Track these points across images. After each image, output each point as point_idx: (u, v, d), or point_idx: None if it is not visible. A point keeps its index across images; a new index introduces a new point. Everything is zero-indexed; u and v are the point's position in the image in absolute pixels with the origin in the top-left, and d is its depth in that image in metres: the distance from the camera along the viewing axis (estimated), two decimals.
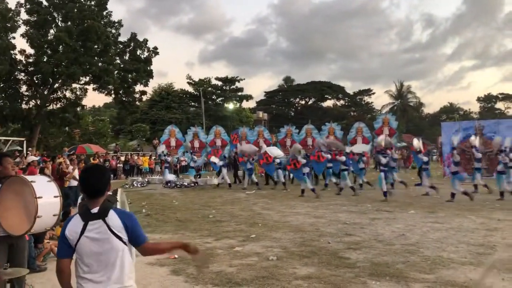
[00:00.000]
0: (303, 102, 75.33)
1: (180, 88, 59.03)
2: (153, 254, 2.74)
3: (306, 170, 16.37)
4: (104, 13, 35.42)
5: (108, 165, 25.72)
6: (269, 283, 5.46)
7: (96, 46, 33.72)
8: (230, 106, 57.86)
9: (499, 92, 77.11)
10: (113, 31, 36.32)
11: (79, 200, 2.86)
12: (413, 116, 72.98)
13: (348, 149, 18.04)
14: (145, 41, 37.81)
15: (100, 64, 34.16)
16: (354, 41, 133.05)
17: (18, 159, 14.89)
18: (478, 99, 78.60)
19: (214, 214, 11.68)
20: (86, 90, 36.58)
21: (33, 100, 34.83)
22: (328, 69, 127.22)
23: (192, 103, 58.52)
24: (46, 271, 6.14)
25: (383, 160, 14.95)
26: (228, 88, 60.46)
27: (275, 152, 19.78)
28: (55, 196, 3.77)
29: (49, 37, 33.06)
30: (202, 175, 25.96)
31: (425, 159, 15.57)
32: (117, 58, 36.87)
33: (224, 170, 20.73)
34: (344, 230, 8.92)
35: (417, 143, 15.75)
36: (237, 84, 60.87)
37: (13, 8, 32.14)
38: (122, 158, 31.31)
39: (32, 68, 33.23)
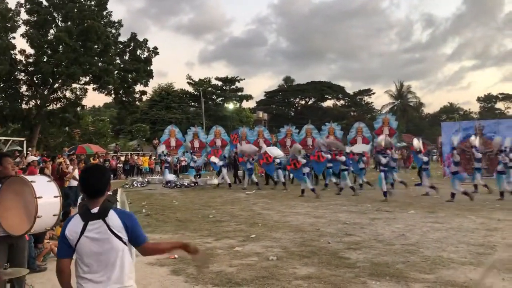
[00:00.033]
0: (303, 102, 75.35)
1: (180, 88, 59.12)
2: (153, 254, 2.74)
3: (306, 170, 16.37)
4: (104, 13, 35.44)
5: (108, 165, 25.73)
6: (269, 283, 5.46)
7: (96, 46, 33.73)
8: (230, 106, 57.87)
9: (499, 92, 77.26)
10: (113, 31, 36.34)
11: (79, 200, 2.86)
12: (413, 116, 72.99)
13: (348, 149, 18.05)
14: (145, 41, 37.86)
15: (100, 64, 34.17)
16: (354, 41, 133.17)
17: (18, 159, 14.89)
18: (478, 99, 78.68)
19: (214, 214, 11.68)
20: (86, 90, 36.65)
21: (33, 100, 34.84)
22: (328, 69, 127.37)
23: (192, 103, 58.53)
24: (46, 271, 6.14)
25: (383, 160, 14.95)
26: (228, 88, 60.47)
27: (275, 152, 19.80)
28: (55, 196, 3.77)
29: (49, 37, 33.06)
30: (202, 175, 25.97)
31: (425, 159, 15.57)
32: (117, 58, 36.89)
33: (224, 170, 20.74)
34: (344, 230, 8.92)
35: (417, 143, 15.76)
36: (237, 84, 60.93)
37: (13, 8, 32.18)
38: (122, 158, 31.32)
39: (32, 68, 33.24)
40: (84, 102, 38.65)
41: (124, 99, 38.31)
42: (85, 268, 2.51)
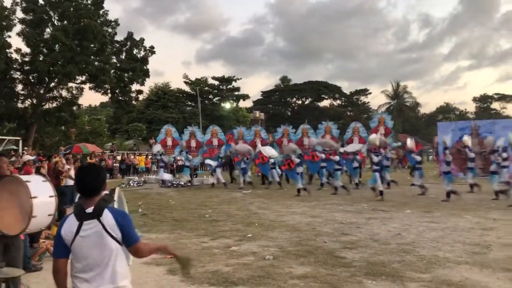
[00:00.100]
0: (300, 102, 75.43)
1: (177, 87, 58.99)
2: (144, 255, 2.68)
3: (300, 169, 16.50)
4: (101, 12, 35.36)
5: (105, 164, 25.66)
6: (265, 283, 5.46)
7: (92, 45, 33.63)
8: (227, 105, 57.83)
9: (495, 92, 77.51)
10: (110, 30, 36.26)
11: (76, 200, 2.85)
12: (410, 116, 73.19)
13: (341, 149, 18.16)
14: (142, 40, 37.78)
15: (96, 63, 34.09)
16: (351, 41, 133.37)
17: (13, 158, 14.82)
18: (474, 99, 78.93)
19: (211, 213, 11.68)
20: (82, 89, 36.55)
21: (29, 99, 34.73)
22: (325, 69, 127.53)
23: (189, 103, 58.45)
24: (42, 271, 6.12)
25: (375, 159, 15.01)
26: (225, 88, 60.44)
27: (270, 152, 19.82)
28: (50, 196, 3.76)
29: (45, 36, 32.94)
30: (199, 174, 25.95)
31: (418, 158, 15.73)
32: (114, 57, 36.82)
33: (218, 170, 20.76)
34: (340, 230, 8.94)
35: (410, 142, 15.93)
36: (234, 83, 60.94)
37: (8, 6, 32.02)
38: (119, 158, 31.26)
39: (28, 67, 33.12)
40: (80, 101, 38.65)
41: (120, 98, 38.25)
42: (80, 267, 2.51)
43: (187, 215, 11.36)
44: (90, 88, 36.12)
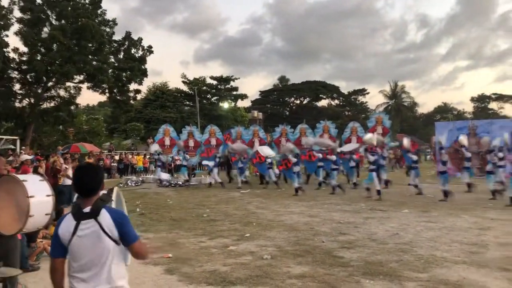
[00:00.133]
0: (298, 101, 75.42)
1: (175, 87, 58.94)
2: (143, 254, 2.65)
3: (297, 169, 16.56)
4: (98, 11, 35.29)
5: (102, 164, 25.62)
6: (263, 282, 5.46)
7: (90, 45, 33.57)
8: (225, 105, 57.81)
9: (492, 92, 77.61)
10: (108, 29, 36.18)
11: (74, 199, 2.84)
12: (407, 116, 73.29)
13: (338, 149, 18.24)
14: (140, 39, 37.73)
15: (94, 62, 34.02)
16: (349, 41, 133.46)
17: (11, 158, 14.80)
18: (472, 99, 79.06)
19: (209, 213, 11.67)
20: (80, 89, 36.46)
21: (26, 99, 34.62)
22: (323, 69, 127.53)
23: (187, 102, 58.41)
24: (39, 271, 6.11)
25: (371, 158, 15.05)
26: (223, 87, 60.43)
27: (267, 151, 19.84)
28: (47, 195, 3.75)
29: (42, 35, 32.86)
30: (197, 174, 25.94)
31: (414, 158, 15.83)
32: (112, 56, 36.74)
33: (215, 170, 20.78)
34: (338, 229, 8.95)
35: (406, 142, 16.08)
36: (232, 83, 60.99)
37: (6, 5, 31.92)
38: (117, 157, 31.22)
39: (25, 66, 33.01)
40: (78, 100, 38.54)
41: (118, 98, 38.18)
42: (77, 267, 2.50)
43: (185, 215, 11.36)
44: (88, 88, 36.05)
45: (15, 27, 32.30)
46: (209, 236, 8.48)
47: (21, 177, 3.82)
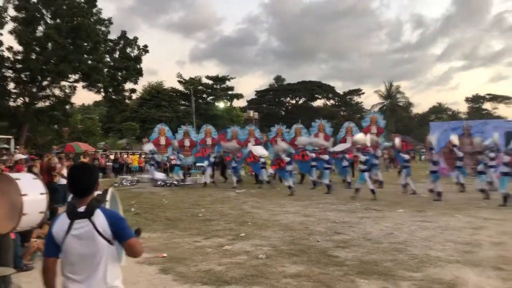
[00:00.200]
0: (293, 101, 75.46)
1: (171, 86, 58.79)
2: (138, 251, 2.59)
3: (290, 168, 16.65)
4: (94, 10, 35.14)
5: (97, 163, 25.53)
6: (258, 282, 5.47)
7: (85, 44, 33.43)
8: (221, 105, 57.74)
9: (487, 93, 77.91)
10: (103, 28, 36.05)
11: (69, 199, 2.83)
12: (402, 116, 73.48)
13: (330, 149, 18.35)
14: (135, 39, 37.64)
15: (89, 62, 33.90)
16: (344, 41, 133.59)
17: (5, 157, 14.72)
18: (467, 100, 79.37)
19: (204, 213, 11.67)
20: (75, 88, 36.31)
21: (21, 98, 34.42)
22: (319, 69, 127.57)
23: (183, 102, 58.28)
24: (33, 270, 6.08)
25: (362, 158, 15.14)
26: (218, 87, 60.36)
27: (260, 151, 19.88)
28: (41, 193, 3.73)
29: (37, 34, 32.69)
30: (192, 174, 25.92)
31: (406, 157, 15.98)
32: (107, 56, 36.61)
33: (209, 169, 20.79)
34: (333, 229, 8.97)
35: (397, 141, 16.28)
36: (227, 83, 60.91)
37: (0, 4, 31.76)
38: (112, 157, 31.12)
39: (20, 65, 32.83)
40: (73, 100, 38.38)
41: (113, 97, 38.06)
42: (70, 267, 2.49)
43: (180, 215, 11.34)
44: (84, 87, 35.92)
45: (10, 25, 32.17)
46: (204, 235, 8.47)
47: (14, 175, 3.79)
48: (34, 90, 34.13)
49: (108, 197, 2.75)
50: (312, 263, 6.28)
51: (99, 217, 2.48)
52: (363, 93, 77.17)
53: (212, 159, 21.25)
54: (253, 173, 22.26)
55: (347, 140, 21.37)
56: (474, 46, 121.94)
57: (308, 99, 74.44)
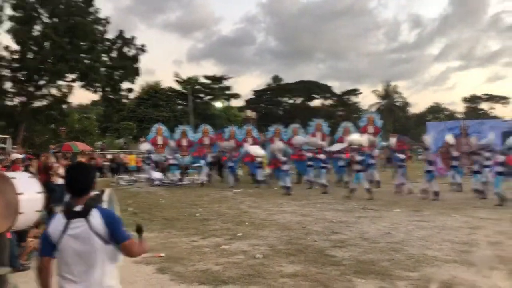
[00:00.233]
0: (291, 101, 75.47)
1: (168, 86, 58.72)
2: (134, 253, 2.62)
3: (287, 168, 16.71)
4: (91, 9, 35.04)
5: (95, 163, 25.46)
6: (255, 281, 5.47)
7: (83, 43, 33.35)
8: (219, 104, 57.72)
9: (484, 93, 78.10)
10: (100, 28, 35.97)
11: (66, 199, 2.83)
12: (400, 116, 73.58)
13: (326, 148, 18.42)
14: (133, 38, 37.58)
15: (87, 61, 33.82)
16: (342, 41, 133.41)
17: (2, 157, 14.67)
18: (464, 100, 79.56)
19: (201, 212, 11.66)
20: (72, 88, 36.23)
21: (18, 97, 34.32)
22: (316, 69, 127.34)
23: (180, 101, 58.22)
24: (30, 270, 6.06)
25: (358, 158, 15.20)
26: (216, 87, 60.33)
27: (257, 151, 19.91)
28: (37, 192, 3.71)
29: (34, 34, 32.60)
30: (190, 173, 25.88)
31: (401, 157, 16.04)
32: (104, 55, 36.54)
33: (205, 169, 20.80)
34: (330, 228, 8.98)
35: (392, 141, 16.45)
36: (225, 82, 60.93)
37: None
38: (109, 156, 31.07)
39: (17, 65, 32.73)
40: (71, 99, 38.30)
41: (111, 96, 37.99)
42: (66, 267, 2.49)
43: (177, 214, 11.33)
44: (81, 87, 35.83)
45: (7, 25, 32.06)
46: (201, 235, 8.47)
47: (10, 174, 3.78)
48: (31, 89, 34.02)
49: (106, 197, 2.75)
50: (309, 263, 6.28)
51: (95, 216, 2.48)
52: (360, 93, 77.24)
53: (209, 159, 21.27)
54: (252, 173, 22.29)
55: (344, 140, 21.39)
56: (471, 46, 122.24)
57: (306, 99, 74.44)
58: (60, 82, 35.33)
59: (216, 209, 12.25)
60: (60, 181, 11.36)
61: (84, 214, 2.47)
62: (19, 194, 3.49)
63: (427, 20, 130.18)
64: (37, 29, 32.83)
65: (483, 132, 19.12)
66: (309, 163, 18.55)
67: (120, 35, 37.06)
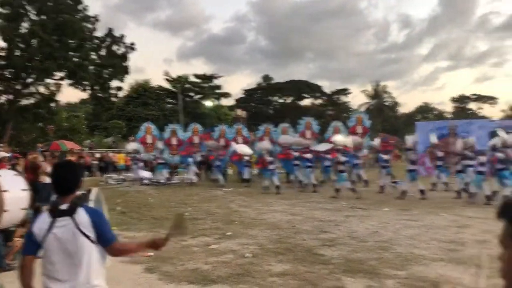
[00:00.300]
0: (281, 100, 75.58)
1: (158, 84, 58.41)
2: (121, 254, 2.65)
3: (273, 167, 16.77)
4: (80, 7, 34.71)
5: (83, 162, 25.25)
6: (244, 280, 5.47)
7: (71, 41, 33.03)
8: (209, 103, 57.57)
9: (472, 93, 78.93)
10: (89, 26, 35.63)
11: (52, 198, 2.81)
12: (389, 115, 74.06)
13: (312, 147, 18.52)
14: (122, 36, 37.31)
15: (75, 59, 33.49)
16: (332, 41, 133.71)
17: None
18: (452, 100, 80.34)
19: (190, 211, 11.62)
20: (60, 86, 35.85)
21: (4, 95, 33.88)
22: (307, 68, 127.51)
23: (170, 100, 57.95)
24: (16, 270, 5.99)
25: (342, 159, 15.32)
26: (206, 85, 60.19)
27: (244, 149, 19.92)
28: (22, 190, 3.68)
29: (22, 31, 32.20)
30: (180, 172, 25.78)
31: (385, 157, 16.20)
32: (93, 53, 36.23)
33: (192, 168, 20.76)
34: (319, 227, 9.01)
35: (376, 142, 16.63)
36: (215, 81, 60.82)
37: None
38: (98, 155, 30.82)
39: (3, 62, 32.29)
40: (59, 97, 37.90)
41: (100, 95, 37.69)
42: (51, 266, 2.45)
43: (166, 214, 11.27)
44: (69, 85, 35.48)
45: None
46: (190, 234, 8.41)
47: None
48: (19, 87, 33.60)
49: (93, 196, 2.74)
50: (298, 262, 6.30)
51: (81, 215, 2.45)
52: (350, 93, 77.57)
53: (198, 158, 21.22)
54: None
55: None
56: (459, 47, 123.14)
57: (296, 98, 74.60)
58: (48, 80, 34.93)
59: (205, 208, 12.22)
60: (48, 180, 11.26)
61: (70, 212, 2.45)
62: (4, 191, 3.46)
63: (416, 21, 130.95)
64: (24, 26, 32.40)
65: (471, 132, 19.34)
66: (296, 162, 18.61)
67: (109, 33, 36.75)
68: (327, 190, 16.18)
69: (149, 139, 23.64)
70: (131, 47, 37.43)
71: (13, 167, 10.32)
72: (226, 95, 63.44)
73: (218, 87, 61.28)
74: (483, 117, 53.65)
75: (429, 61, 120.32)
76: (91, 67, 35.21)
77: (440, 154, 15.79)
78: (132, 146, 22.98)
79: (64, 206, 2.47)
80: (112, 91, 38.55)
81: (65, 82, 35.47)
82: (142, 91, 53.72)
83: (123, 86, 41.05)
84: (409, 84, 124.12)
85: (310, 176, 17.19)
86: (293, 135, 21.72)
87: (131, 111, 50.70)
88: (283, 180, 19.17)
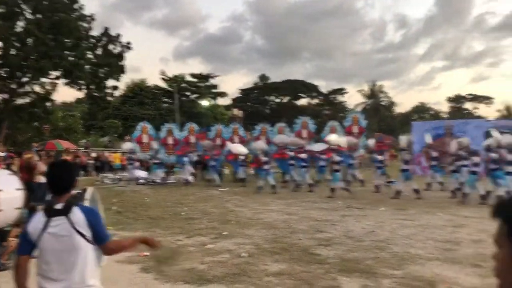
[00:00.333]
0: (278, 100, 75.60)
1: (154, 84, 58.29)
2: (116, 252, 2.66)
3: (267, 167, 16.80)
4: (76, 6, 34.58)
5: (79, 161, 25.18)
6: (240, 280, 5.46)
7: (67, 40, 32.90)
8: (205, 103, 57.51)
9: (468, 93, 79.22)
10: (85, 25, 35.51)
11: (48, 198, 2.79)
12: (385, 115, 74.22)
13: (307, 147, 18.57)
14: (118, 36, 37.20)
15: (71, 58, 33.37)
16: (328, 41, 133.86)
17: None
18: (448, 100, 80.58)
19: (186, 211, 11.60)
20: (55, 85, 35.71)
21: None
22: (303, 68, 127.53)
23: (166, 100, 57.85)
24: (11, 270, 5.96)
25: (336, 158, 15.36)
26: (202, 85, 60.13)
27: (239, 149, 19.92)
28: (16, 189, 3.66)
29: (17, 30, 32.05)
30: (176, 172, 25.73)
31: (380, 157, 16.27)
32: (89, 52, 36.11)
33: (187, 167, 20.75)
34: (315, 227, 9.01)
35: (370, 142, 16.75)
36: (212, 80, 60.75)
37: None
38: (94, 155, 30.74)
39: None
40: (55, 97, 37.78)
41: (95, 94, 37.58)
42: (46, 265, 2.44)
43: (162, 213, 11.25)
44: (65, 84, 35.35)
45: None
46: (186, 234, 8.42)
47: None
48: (14, 86, 33.45)
49: (88, 196, 2.72)
50: (294, 261, 6.30)
51: (76, 214, 2.44)
52: (346, 92, 77.77)
53: (194, 157, 21.20)
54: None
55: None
56: (455, 47, 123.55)
57: (292, 98, 74.64)
58: (43, 79, 34.78)
59: (201, 208, 12.20)
60: (43, 179, 11.20)
61: (65, 212, 2.44)
62: None
63: (412, 20, 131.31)
64: (20, 25, 32.24)
65: (467, 132, 19.42)
66: (291, 162, 18.62)
67: (105, 32, 36.62)
68: (323, 190, 16.20)
69: (145, 139, 23.58)
70: (127, 46, 37.34)
71: (8, 167, 10.26)
72: (222, 94, 63.46)
73: (215, 86, 61.26)
74: (479, 117, 53.83)
75: (425, 61, 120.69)
76: (87, 66, 35.07)
77: (434, 154, 15.85)
78: (127, 146, 22.92)
79: (59, 206, 2.46)
80: (108, 91, 38.43)
81: (61, 81, 35.33)
82: (138, 90, 53.62)
83: (119, 85, 41.05)
84: (406, 84, 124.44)
85: (305, 176, 17.24)
86: (290, 134, 21.73)
87: (127, 110, 50.59)
88: (279, 180, 19.18)
